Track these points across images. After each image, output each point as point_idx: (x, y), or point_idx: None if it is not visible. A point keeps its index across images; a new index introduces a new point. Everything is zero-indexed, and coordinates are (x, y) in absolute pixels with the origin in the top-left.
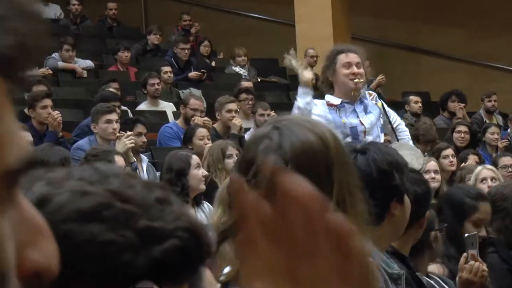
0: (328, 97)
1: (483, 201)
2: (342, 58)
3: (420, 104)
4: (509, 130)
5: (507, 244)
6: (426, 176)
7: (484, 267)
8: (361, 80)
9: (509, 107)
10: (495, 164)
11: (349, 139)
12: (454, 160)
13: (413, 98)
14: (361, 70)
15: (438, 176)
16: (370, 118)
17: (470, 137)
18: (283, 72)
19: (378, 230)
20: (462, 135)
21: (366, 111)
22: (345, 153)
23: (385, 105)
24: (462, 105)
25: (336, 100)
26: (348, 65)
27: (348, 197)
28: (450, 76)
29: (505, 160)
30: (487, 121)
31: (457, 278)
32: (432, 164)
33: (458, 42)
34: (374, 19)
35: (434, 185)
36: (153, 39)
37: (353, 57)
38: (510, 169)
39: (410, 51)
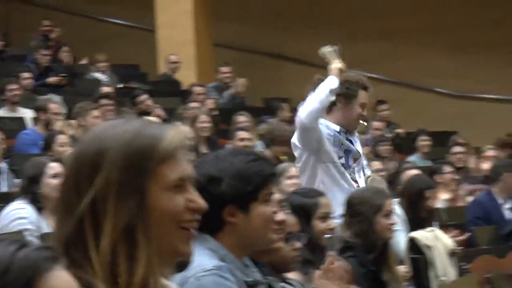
0: (327, 123)
1: (321, 195)
2: (363, 96)
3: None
4: (369, 136)
5: (364, 248)
6: (289, 182)
7: (346, 266)
8: (365, 123)
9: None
10: None
11: (342, 161)
12: None
13: (284, 105)
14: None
15: (297, 181)
16: (360, 148)
17: None
18: (143, 78)
19: (220, 237)
20: None
21: (356, 140)
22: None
23: None
24: None
25: (335, 126)
26: (364, 106)
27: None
28: None
29: (375, 164)
30: None
31: (315, 277)
32: (292, 170)
33: None
34: (237, 26)
35: None
36: None
37: (367, 99)
38: (380, 173)
39: (273, 58)
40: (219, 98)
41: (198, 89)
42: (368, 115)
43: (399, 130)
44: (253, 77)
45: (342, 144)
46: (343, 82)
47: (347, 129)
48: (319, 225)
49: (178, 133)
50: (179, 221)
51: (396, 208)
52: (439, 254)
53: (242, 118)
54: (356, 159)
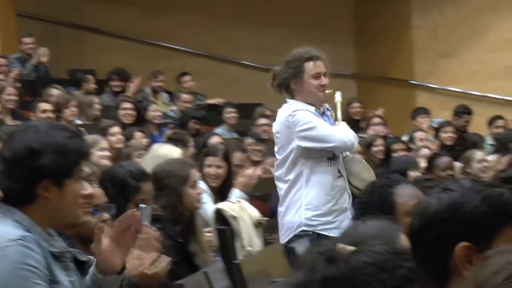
0: (300, 105)
1: (146, 180)
2: (311, 67)
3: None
4: (175, 108)
5: (172, 220)
6: (101, 154)
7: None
8: (329, 90)
9: (173, 85)
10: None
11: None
12: (122, 137)
13: (89, 77)
14: (327, 80)
15: (108, 153)
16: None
17: (137, 114)
18: None
19: (29, 210)
20: (128, 111)
21: (331, 123)
22: None
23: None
24: (132, 83)
25: (311, 108)
26: (317, 75)
27: None
28: (119, 55)
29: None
30: (153, 99)
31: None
32: (103, 142)
33: (128, 21)
34: None
35: (106, 162)
36: None
37: (321, 66)
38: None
39: (78, 29)
40: (23, 70)
41: (0, 60)
42: (174, 87)
43: (212, 101)
44: (58, 48)
45: None
46: (286, 63)
47: (318, 107)
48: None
49: None
50: None
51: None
52: (245, 225)
53: (55, 91)
54: None
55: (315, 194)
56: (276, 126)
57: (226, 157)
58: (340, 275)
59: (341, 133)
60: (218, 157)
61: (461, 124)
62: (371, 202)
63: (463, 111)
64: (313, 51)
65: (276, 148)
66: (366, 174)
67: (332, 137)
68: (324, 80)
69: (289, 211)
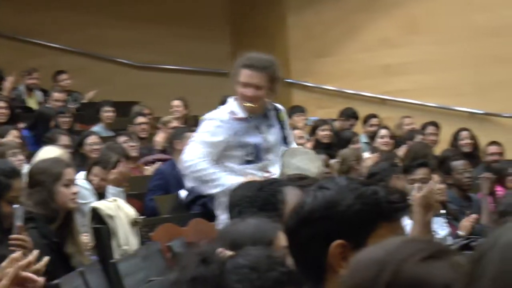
0: (234, 108)
1: (16, 178)
2: (242, 75)
3: None
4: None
5: (46, 219)
6: None
7: (27, 239)
8: (252, 104)
9: (48, 83)
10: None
11: (251, 157)
12: None
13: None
14: (257, 93)
15: None
16: (274, 134)
17: (10, 112)
18: None
19: None
20: (2, 110)
21: (270, 125)
22: None
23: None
24: (6, 81)
25: (242, 114)
26: (245, 84)
27: None
28: None
29: (63, 139)
30: (27, 97)
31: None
32: None
33: (1, 17)
34: None
35: None
36: None
37: (251, 77)
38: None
39: None
40: None
41: None
42: (48, 85)
43: (87, 98)
44: None
45: (247, 142)
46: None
47: (254, 112)
48: (6, 207)
49: None
50: None
51: (84, 181)
52: (121, 224)
53: None
54: (269, 149)
55: None
56: None
57: (114, 167)
58: (210, 275)
59: (192, 154)
60: (106, 170)
61: (345, 127)
62: (259, 197)
63: (351, 115)
64: (257, 60)
65: None
66: (308, 164)
67: (188, 156)
68: (248, 92)
69: (217, 212)
